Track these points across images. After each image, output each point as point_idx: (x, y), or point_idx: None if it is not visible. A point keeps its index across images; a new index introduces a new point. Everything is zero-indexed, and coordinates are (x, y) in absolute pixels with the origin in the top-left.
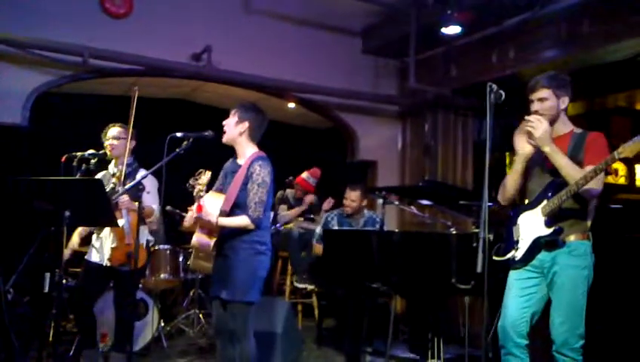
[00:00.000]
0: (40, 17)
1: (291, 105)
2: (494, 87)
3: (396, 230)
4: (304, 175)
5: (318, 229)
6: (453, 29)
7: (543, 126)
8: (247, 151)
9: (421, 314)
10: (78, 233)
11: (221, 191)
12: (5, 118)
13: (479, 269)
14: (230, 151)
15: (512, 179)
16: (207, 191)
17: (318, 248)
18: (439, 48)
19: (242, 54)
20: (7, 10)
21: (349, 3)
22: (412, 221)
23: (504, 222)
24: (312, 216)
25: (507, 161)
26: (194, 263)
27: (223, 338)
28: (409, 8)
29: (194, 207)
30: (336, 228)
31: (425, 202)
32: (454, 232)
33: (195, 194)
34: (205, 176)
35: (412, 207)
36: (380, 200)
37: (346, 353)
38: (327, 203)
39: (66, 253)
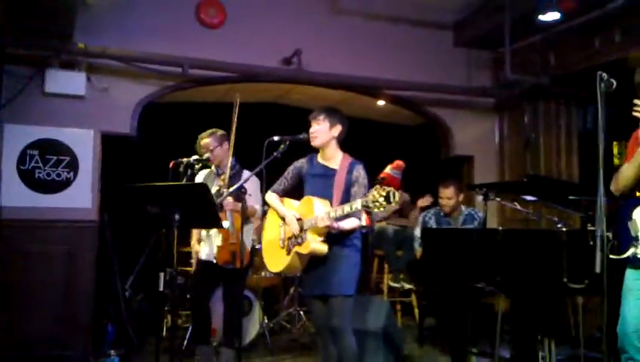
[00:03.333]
0: (142, 32)
1: (380, 102)
2: (604, 75)
3: (499, 227)
4: (388, 170)
5: (417, 232)
6: (551, 16)
7: None
8: (336, 154)
9: (528, 315)
10: (195, 235)
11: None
12: (116, 128)
13: (597, 269)
14: None
15: (632, 173)
16: None
17: (420, 252)
18: (536, 36)
19: (331, 55)
20: (111, 27)
21: None
22: (514, 217)
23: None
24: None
25: (615, 151)
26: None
27: (325, 336)
28: None
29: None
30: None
31: (529, 198)
32: (564, 229)
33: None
34: None
35: (515, 203)
36: (481, 197)
37: (452, 353)
38: (424, 200)
39: (194, 259)
